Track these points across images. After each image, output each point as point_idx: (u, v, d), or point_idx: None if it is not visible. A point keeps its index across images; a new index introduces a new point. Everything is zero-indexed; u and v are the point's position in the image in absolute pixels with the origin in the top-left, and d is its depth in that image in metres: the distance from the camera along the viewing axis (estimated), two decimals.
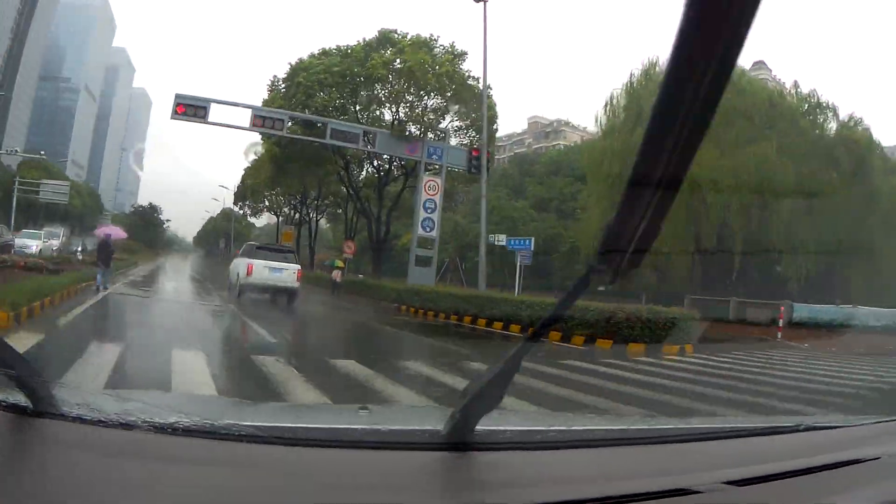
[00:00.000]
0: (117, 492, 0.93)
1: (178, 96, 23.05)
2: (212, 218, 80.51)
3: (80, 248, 34.31)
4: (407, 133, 26.57)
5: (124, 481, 0.96)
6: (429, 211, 26.34)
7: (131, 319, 12.08)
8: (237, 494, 0.97)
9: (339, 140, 25.29)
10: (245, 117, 23.86)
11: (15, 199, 51.82)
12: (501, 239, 27.79)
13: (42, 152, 69.05)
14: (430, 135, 27.44)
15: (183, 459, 1.06)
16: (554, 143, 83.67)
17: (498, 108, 30.87)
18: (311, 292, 28.07)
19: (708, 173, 30.40)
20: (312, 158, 28.25)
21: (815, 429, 1.69)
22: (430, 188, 26.50)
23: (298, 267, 17.81)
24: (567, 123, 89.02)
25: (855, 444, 1.53)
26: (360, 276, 36.63)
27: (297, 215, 51.94)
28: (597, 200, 33.75)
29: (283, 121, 24.35)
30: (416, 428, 1.40)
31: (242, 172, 52.69)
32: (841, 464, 1.35)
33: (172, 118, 23.36)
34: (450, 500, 1.07)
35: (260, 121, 24.00)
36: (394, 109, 28.74)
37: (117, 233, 17.99)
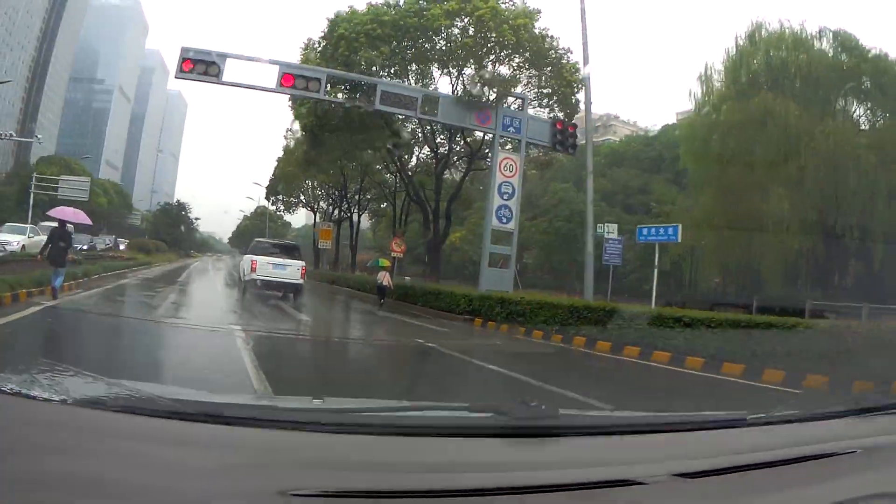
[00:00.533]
0: (31, 458, 0.95)
1: (184, 49, 17.68)
2: (246, 217, 75.93)
3: (84, 246, 29.90)
4: (477, 99, 20.66)
5: (39, 449, 0.97)
6: (505, 197, 20.42)
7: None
8: (202, 475, 0.98)
9: (391, 105, 19.57)
10: (272, 76, 18.34)
11: (32, 195, 47.89)
12: (612, 230, 21.68)
13: (79, 157, 65.81)
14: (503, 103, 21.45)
15: (105, 432, 1.06)
16: (603, 137, 77.91)
17: None
18: (357, 302, 22.89)
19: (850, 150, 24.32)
20: (357, 129, 22.56)
21: (788, 421, 1.63)
22: (507, 168, 20.57)
23: (303, 263, 17.71)
24: (616, 118, 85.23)
25: (831, 436, 1.50)
26: (407, 278, 31.27)
27: (335, 211, 46.93)
28: (702, 183, 27.64)
29: (319, 80, 18.72)
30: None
31: (275, 163, 48.15)
32: (815, 456, 1.33)
33: (177, 77, 18.12)
34: (393, 482, 1.07)
35: (291, 79, 18.39)
36: (460, 68, 22.86)
37: (76, 216, 12.50)
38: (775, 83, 26.48)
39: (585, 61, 19.26)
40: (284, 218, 77.58)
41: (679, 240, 18.27)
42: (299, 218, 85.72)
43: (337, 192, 42.64)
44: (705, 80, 29.05)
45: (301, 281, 17.33)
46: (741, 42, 28.25)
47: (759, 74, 27.56)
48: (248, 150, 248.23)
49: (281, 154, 42.14)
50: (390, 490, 1.03)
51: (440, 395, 6.35)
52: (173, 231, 63.23)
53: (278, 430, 1.19)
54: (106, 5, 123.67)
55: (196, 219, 72.52)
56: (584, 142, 21.06)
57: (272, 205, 50.85)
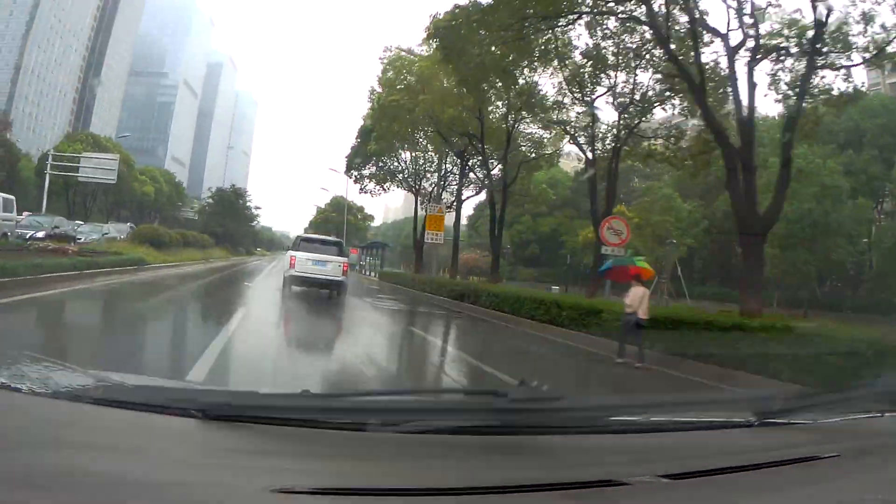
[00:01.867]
0: (55, 457, 0.95)
1: None
2: (320, 210, 66.59)
3: (38, 234, 21.57)
4: None
5: (75, 453, 0.97)
6: None
7: None
8: (185, 470, 0.98)
9: None
10: None
11: (47, 178, 38.35)
12: None
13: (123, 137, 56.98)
14: None
15: (131, 433, 1.07)
16: None
17: None
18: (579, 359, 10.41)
19: None
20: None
21: (772, 425, 1.56)
22: None
23: (345, 260, 17.26)
24: None
25: (814, 440, 1.50)
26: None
27: (438, 192, 34.41)
28: None
29: None
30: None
31: (361, 121, 36.52)
32: (797, 460, 1.31)
33: None
34: (361, 481, 1.04)
35: None
36: None
37: None
38: None
39: None
40: (366, 210, 66.38)
41: None
42: (390, 208, 73.38)
43: (448, 154, 29.96)
44: None
45: (342, 278, 16.66)
46: None
47: None
48: (321, 150, 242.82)
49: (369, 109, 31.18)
50: (378, 488, 1.01)
51: None
52: (228, 223, 52.00)
53: (266, 424, 1.16)
54: None
55: (257, 208, 62.03)
56: None
57: (355, 182, 38.49)
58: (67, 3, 78.06)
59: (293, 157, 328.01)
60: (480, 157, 27.23)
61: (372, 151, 33.44)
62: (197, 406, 1.15)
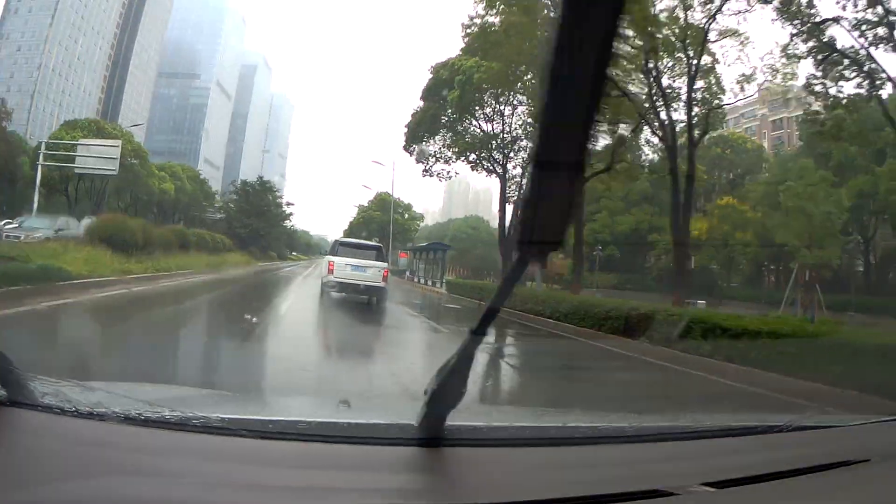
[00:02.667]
0: (85, 479, 0.94)
1: None
2: (362, 208, 59.96)
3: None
4: None
5: (93, 469, 0.97)
6: None
7: None
8: (204, 487, 0.97)
9: None
10: None
11: (39, 170, 33.57)
12: None
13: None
14: None
15: (151, 450, 1.07)
16: None
17: None
18: None
19: None
20: None
21: (803, 428, 1.58)
22: None
23: (385, 265, 16.98)
24: None
25: (845, 444, 1.49)
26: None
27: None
28: None
29: None
30: (391, 422, 1.31)
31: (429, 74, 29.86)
32: (829, 465, 1.29)
33: None
34: (420, 495, 1.06)
35: None
36: None
37: None
38: None
39: None
40: (413, 208, 59.62)
41: None
42: (429, 211, 66.52)
43: None
44: None
45: (383, 284, 16.18)
46: None
47: None
48: (362, 148, 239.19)
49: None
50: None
51: None
52: (254, 222, 45.10)
53: (283, 440, 1.18)
54: None
55: (289, 204, 55.12)
56: None
57: (418, 161, 31.66)
58: (91, 0, 74.94)
59: (332, 158, 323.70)
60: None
61: (453, 102, 26.28)
62: (208, 423, 1.15)
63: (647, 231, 39.46)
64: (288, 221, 56.57)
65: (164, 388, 1.70)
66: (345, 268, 15.63)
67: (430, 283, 34.32)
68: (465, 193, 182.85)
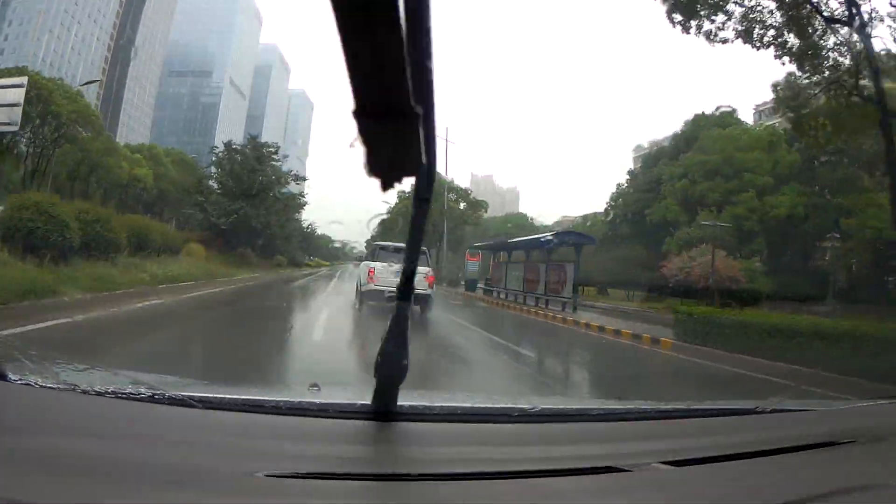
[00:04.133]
0: (54, 438, 1.02)
1: None
2: (403, 196, 46.48)
3: None
4: None
5: (77, 440, 1.03)
6: None
7: None
8: (182, 455, 1.03)
9: None
10: None
11: None
12: None
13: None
14: None
15: (126, 419, 1.14)
16: None
17: None
18: None
19: None
20: None
21: (784, 411, 1.60)
22: None
23: (429, 270, 15.37)
24: None
25: (828, 426, 1.48)
26: None
27: None
28: None
29: None
30: (349, 401, 1.40)
31: None
32: (807, 446, 1.30)
33: None
34: (370, 463, 1.12)
35: None
36: None
37: None
38: None
39: None
40: (473, 194, 45.17)
41: None
42: None
43: None
44: None
45: (429, 291, 14.98)
46: None
47: None
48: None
49: None
50: (362, 473, 1.05)
51: None
52: (246, 208, 30.10)
53: (255, 413, 1.24)
54: None
55: (303, 195, 41.76)
56: None
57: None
58: None
59: (358, 159, 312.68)
60: None
61: None
62: (187, 399, 1.22)
63: (802, 218, 29.80)
64: (301, 214, 43.71)
65: (160, 376, 1.55)
66: (387, 275, 14.34)
67: (539, 304, 19.53)
68: (492, 194, 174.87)
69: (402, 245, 14.20)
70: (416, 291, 11.41)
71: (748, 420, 1.51)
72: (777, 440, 1.30)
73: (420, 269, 8.44)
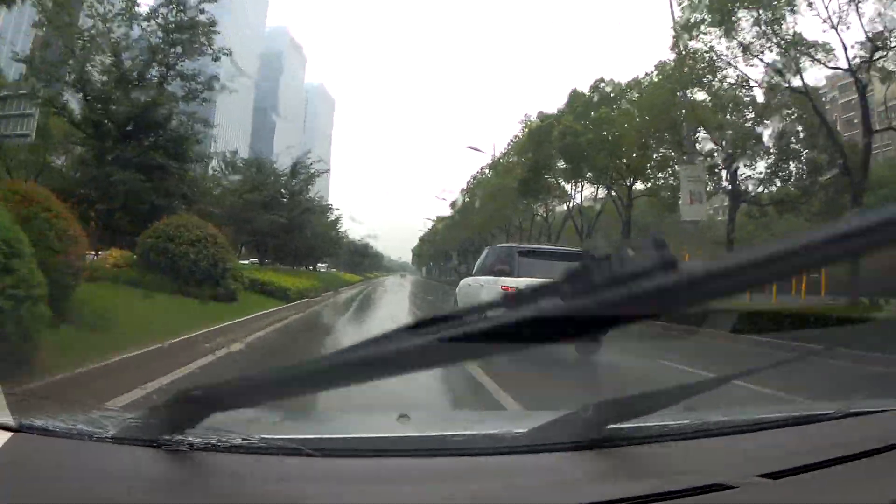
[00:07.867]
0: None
1: None
2: (456, 200, 51.12)
3: None
4: None
5: (108, 497, 0.95)
6: None
7: None
8: None
9: None
10: None
11: None
12: None
13: None
14: None
15: (179, 474, 1.03)
16: None
17: None
18: None
19: None
20: None
21: (859, 414, 1.57)
22: None
23: None
24: None
25: None
26: None
27: None
28: None
29: None
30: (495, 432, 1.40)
31: None
32: (887, 448, 1.29)
33: None
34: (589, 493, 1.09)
35: None
36: None
37: None
38: None
39: None
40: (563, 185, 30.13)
41: None
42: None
43: None
44: None
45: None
46: None
47: None
48: (426, 152, 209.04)
49: None
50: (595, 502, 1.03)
51: None
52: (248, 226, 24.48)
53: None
54: None
55: (324, 201, 39.48)
56: None
57: None
58: None
59: (388, 159, 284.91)
60: None
61: None
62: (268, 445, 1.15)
63: None
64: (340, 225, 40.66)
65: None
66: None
67: None
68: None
69: (556, 248, 11.78)
70: None
71: (830, 426, 1.48)
72: (860, 443, 1.28)
73: None
